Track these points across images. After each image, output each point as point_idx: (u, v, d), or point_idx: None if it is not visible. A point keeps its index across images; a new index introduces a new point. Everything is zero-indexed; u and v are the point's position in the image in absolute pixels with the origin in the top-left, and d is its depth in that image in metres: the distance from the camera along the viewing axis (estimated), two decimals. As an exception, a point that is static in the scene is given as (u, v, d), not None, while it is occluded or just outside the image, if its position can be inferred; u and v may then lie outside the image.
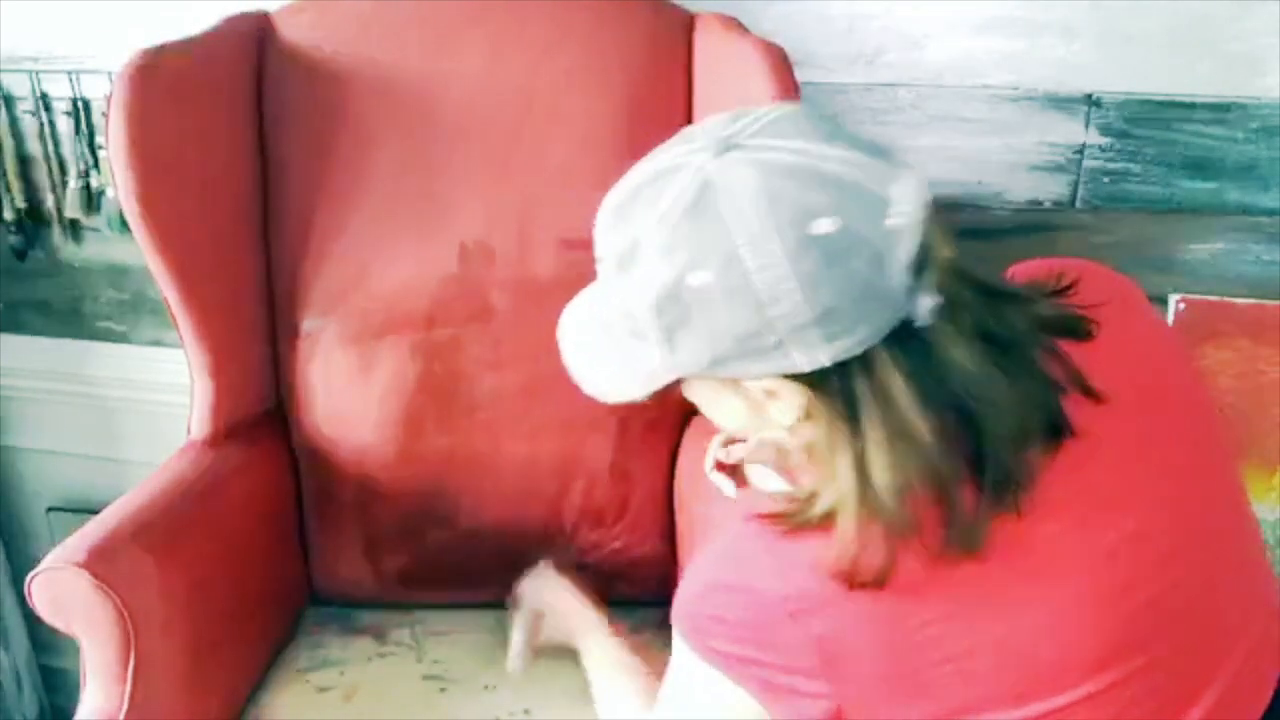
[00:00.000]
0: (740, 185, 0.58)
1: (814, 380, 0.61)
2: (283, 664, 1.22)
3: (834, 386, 0.61)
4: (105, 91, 1.12)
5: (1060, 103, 1.25)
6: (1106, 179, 1.28)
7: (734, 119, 0.62)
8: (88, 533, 1.01)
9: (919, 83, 1.26)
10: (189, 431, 1.23)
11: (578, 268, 1.21)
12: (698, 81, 1.22)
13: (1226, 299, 1.28)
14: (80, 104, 1.42)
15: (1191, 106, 1.22)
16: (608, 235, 0.64)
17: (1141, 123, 1.25)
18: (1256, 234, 1.26)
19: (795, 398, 0.62)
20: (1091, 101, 1.25)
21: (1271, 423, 1.30)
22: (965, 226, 1.20)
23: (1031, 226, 1.31)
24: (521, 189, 1.22)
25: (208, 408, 1.21)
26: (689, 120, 1.23)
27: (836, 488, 0.62)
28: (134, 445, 1.63)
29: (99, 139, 1.43)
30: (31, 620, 1.60)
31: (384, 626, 1.28)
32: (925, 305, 0.59)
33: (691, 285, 0.58)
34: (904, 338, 0.59)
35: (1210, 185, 1.26)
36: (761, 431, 0.68)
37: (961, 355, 0.60)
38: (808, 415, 0.63)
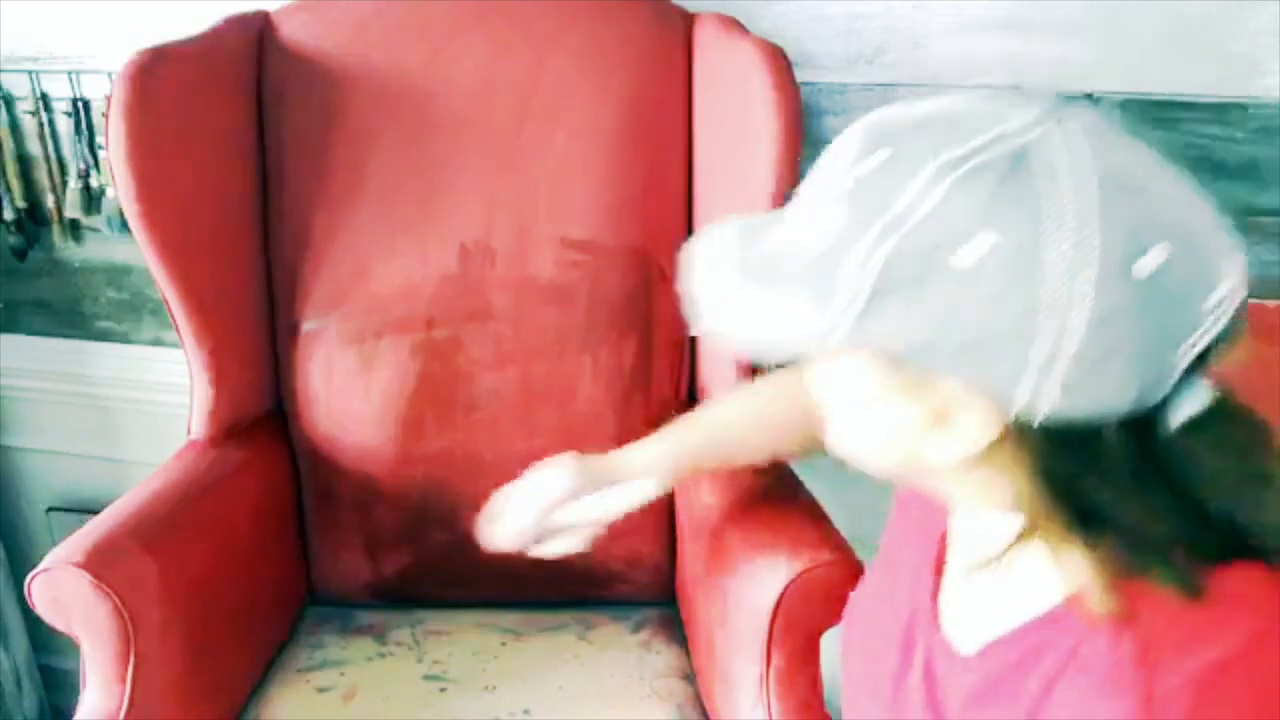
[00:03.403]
0: (1073, 163, 0.47)
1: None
2: (283, 664, 1.21)
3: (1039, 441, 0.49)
4: (105, 91, 1.12)
5: (1060, 102, 1.25)
6: (1106, 179, 1.28)
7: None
8: (87, 533, 1.01)
9: (919, 83, 1.26)
10: (189, 431, 1.23)
11: (578, 268, 1.21)
12: (697, 81, 1.22)
13: (1226, 299, 1.28)
14: (80, 104, 1.42)
15: (1191, 106, 1.22)
16: (857, 157, 0.50)
17: (1141, 122, 1.25)
18: (1256, 234, 1.26)
19: (990, 423, 0.49)
20: (1091, 101, 1.24)
21: (1272, 424, 1.29)
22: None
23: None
24: (521, 189, 1.22)
25: (208, 408, 1.21)
26: (689, 120, 1.23)
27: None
28: (134, 445, 1.63)
29: (99, 139, 1.43)
30: (31, 620, 1.60)
31: (384, 626, 1.28)
32: (1184, 409, 0.51)
33: (961, 253, 0.45)
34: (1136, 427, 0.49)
35: (1210, 185, 1.25)
36: (919, 453, 0.53)
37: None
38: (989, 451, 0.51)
